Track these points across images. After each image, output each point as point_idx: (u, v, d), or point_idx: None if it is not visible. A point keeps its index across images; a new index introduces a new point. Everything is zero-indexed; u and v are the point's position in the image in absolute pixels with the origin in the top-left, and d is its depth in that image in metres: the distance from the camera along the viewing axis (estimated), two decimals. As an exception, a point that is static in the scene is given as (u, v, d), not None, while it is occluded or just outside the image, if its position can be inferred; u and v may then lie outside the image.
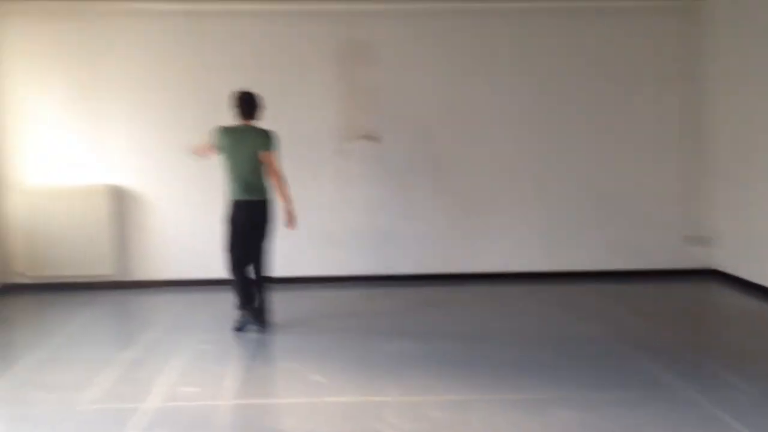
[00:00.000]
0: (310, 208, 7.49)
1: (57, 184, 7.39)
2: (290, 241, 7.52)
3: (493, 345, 5.55)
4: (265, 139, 5.86)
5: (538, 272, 7.74)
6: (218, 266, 7.39)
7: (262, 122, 6.15)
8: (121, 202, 7.48)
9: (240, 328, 5.90)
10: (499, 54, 7.64)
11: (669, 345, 5.47)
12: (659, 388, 4.55)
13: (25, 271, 7.40)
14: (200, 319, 6.32)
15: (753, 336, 5.80)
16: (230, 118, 5.99)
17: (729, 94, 7.43)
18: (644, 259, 7.78)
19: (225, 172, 5.88)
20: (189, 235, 7.52)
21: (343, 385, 4.70)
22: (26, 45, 7.35)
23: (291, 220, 5.97)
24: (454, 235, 7.75)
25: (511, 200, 7.74)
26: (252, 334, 5.85)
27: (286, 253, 7.54)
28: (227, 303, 6.79)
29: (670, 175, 7.78)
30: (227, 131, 5.88)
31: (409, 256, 7.71)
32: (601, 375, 4.79)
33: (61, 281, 7.41)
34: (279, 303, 6.88)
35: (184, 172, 7.48)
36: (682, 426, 4.00)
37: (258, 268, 5.94)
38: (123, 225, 7.50)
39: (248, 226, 5.85)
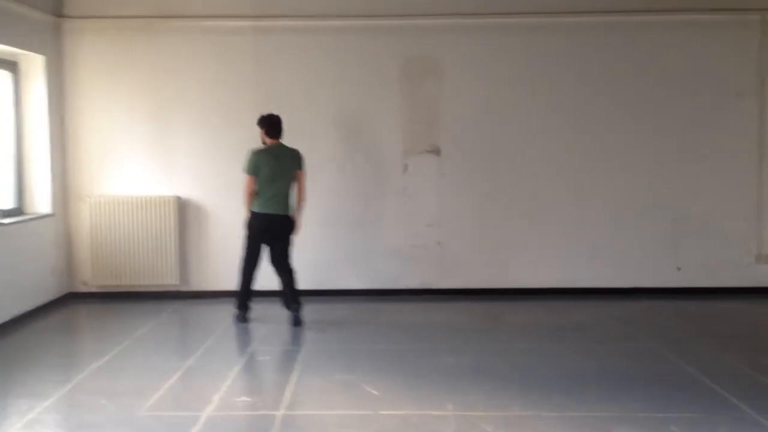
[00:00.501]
0: (375, 220, 7.62)
1: (124, 194, 7.60)
2: (344, 252, 7.64)
3: (551, 360, 5.49)
4: (298, 158, 6.58)
5: (606, 288, 7.62)
6: (273, 277, 7.54)
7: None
8: (184, 213, 7.64)
9: (242, 320, 6.63)
10: (563, 69, 7.56)
11: (736, 366, 5.32)
12: (724, 410, 4.43)
13: (88, 281, 7.62)
14: (258, 329, 6.40)
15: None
16: (259, 137, 6.65)
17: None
18: (713, 278, 7.60)
19: (261, 188, 6.40)
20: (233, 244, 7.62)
21: (397, 398, 4.71)
22: (97, 59, 7.57)
23: (298, 230, 6.70)
24: (512, 249, 7.69)
25: (575, 216, 7.64)
26: (313, 344, 5.90)
27: (351, 266, 7.66)
28: (283, 314, 6.89)
29: (744, 192, 7.59)
30: (265, 152, 6.47)
31: (467, 269, 7.68)
32: (665, 395, 4.70)
33: (125, 290, 7.61)
34: (333, 316, 6.97)
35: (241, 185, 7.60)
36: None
37: (286, 266, 6.57)
38: (187, 235, 7.66)
39: (278, 236, 6.51)
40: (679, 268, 7.60)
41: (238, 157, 7.54)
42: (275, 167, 6.40)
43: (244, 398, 4.71)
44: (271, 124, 6.51)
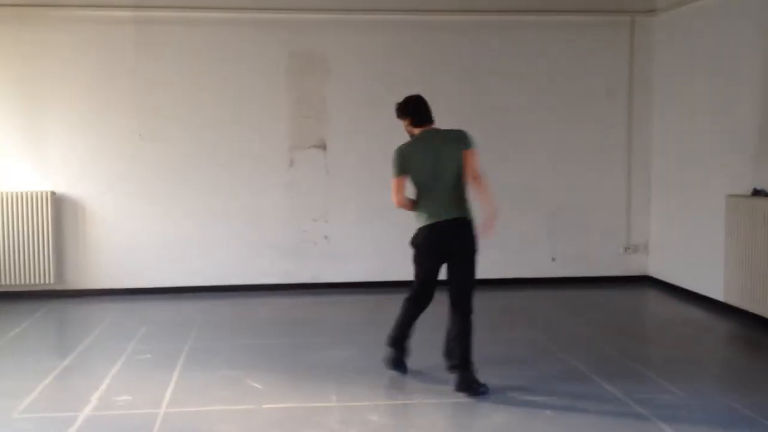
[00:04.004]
0: (261, 218, 7.57)
1: (-7, 190, 7.27)
2: (241, 249, 7.56)
3: (435, 350, 5.62)
4: (461, 136, 4.86)
5: (486, 279, 7.82)
6: (157, 275, 7.42)
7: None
8: (60, 208, 7.37)
9: (397, 366, 5.02)
10: (448, 66, 7.73)
11: (607, 351, 5.61)
12: (590, 389, 4.67)
13: (-41, 280, 7.26)
14: (139, 328, 6.25)
15: (681, 339, 5.99)
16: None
17: (668, 107, 7.69)
18: (586, 267, 7.96)
19: (421, 192, 4.81)
20: (127, 243, 7.45)
21: (281, 391, 4.71)
22: (-38, 49, 7.22)
23: (491, 225, 4.77)
24: (399, 242, 7.78)
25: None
26: (196, 341, 5.82)
27: (236, 262, 7.59)
28: (164, 312, 6.79)
29: (613, 186, 7.98)
30: (415, 142, 4.89)
31: (356, 262, 7.75)
32: (541, 379, 4.90)
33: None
34: (230, 311, 6.91)
35: (121, 181, 7.42)
36: (609, 426, 4.12)
37: (467, 305, 4.78)
38: (63, 232, 7.39)
39: (460, 253, 4.72)
40: (553, 259, 7.94)
41: (117, 151, 7.40)
42: (434, 158, 4.76)
43: (125, 397, 4.60)
44: (415, 110, 4.94)
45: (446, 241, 4.70)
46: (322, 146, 7.65)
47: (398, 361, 5.02)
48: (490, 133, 7.81)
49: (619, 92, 7.92)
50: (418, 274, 4.89)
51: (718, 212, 6.58)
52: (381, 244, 7.74)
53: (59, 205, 7.36)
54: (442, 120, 7.70)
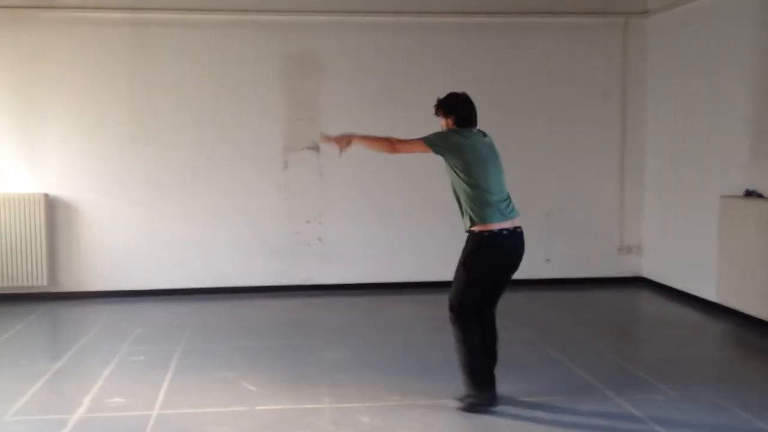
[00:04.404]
0: (256, 219, 7.57)
1: (-14, 193, 7.25)
2: (235, 251, 7.56)
3: (429, 351, 5.63)
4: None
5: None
6: (150, 277, 7.42)
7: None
8: (54, 211, 7.35)
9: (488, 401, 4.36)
10: (442, 68, 7.71)
11: (601, 352, 5.62)
12: (583, 390, 4.68)
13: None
14: (132, 330, 6.23)
15: (674, 340, 6.00)
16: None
17: (662, 108, 7.71)
18: (580, 268, 7.97)
19: (481, 184, 4.32)
20: (120, 246, 7.44)
21: (275, 393, 4.71)
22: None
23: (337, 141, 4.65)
24: (393, 244, 7.82)
25: (454, 211, 7.81)
26: (190, 344, 5.81)
27: (230, 263, 7.58)
28: (158, 314, 6.79)
29: (607, 187, 8.00)
30: (473, 134, 4.46)
31: (349, 264, 7.75)
32: (535, 380, 4.91)
33: (-10, 292, 7.27)
34: (223, 313, 6.92)
35: (115, 183, 7.42)
36: (602, 426, 4.13)
37: (494, 321, 4.53)
38: (56, 234, 7.38)
39: (515, 266, 4.38)
40: (548, 260, 7.94)
41: (111, 154, 7.39)
42: (489, 154, 4.42)
43: (117, 399, 4.59)
44: (464, 107, 4.51)
45: (511, 250, 4.31)
46: (316, 148, 7.65)
47: (492, 397, 4.33)
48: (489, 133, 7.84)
49: (613, 93, 7.94)
50: (472, 287, 4.28)
51: (711, 213, 6.59)
52: (375, 245, 7.74)
53: (53, 208, 7.35)
54: (431, 126, 7.72)
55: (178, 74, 7.46)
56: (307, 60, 7.61)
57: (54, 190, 7.35)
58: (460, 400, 4.35)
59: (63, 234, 7.39)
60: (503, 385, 4.52)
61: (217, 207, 7.56)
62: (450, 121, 4.49)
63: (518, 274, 7.85)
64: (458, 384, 4.52)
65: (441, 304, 6.54)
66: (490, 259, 4.27)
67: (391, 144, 4.45)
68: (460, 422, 4.23)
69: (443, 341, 5.86)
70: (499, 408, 4.37)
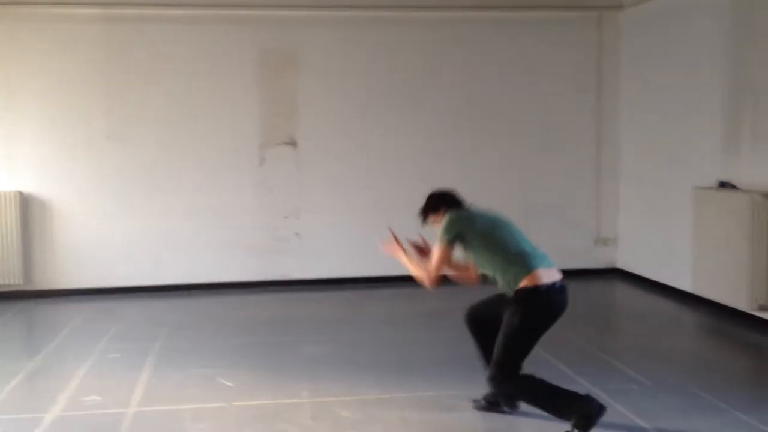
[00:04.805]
0: (233, 215, 7.54)
1: (-41, 191, 7.15)
2: (212, 248, 7.52)
3: (409, 347, 5.65)
4: None
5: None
6: (127, 275, 7.38)
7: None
8: (28, 208, 7.27)
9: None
10: (417, 63, 7.75)
11: (578, 343, 5.66)
12: (559, 380, 4.70)
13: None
14: (108, 328, 6.18)
15: (650, 330, 6.07)
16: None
17: (636, 101, 7.77)
18: (558, 260, 7.98)
19: (504, 247, 4.05)
20: (96, 243, 7.38)
21: (253, 389, 4.70)
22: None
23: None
24: (370, 239, 7.80)
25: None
26: (168, 341, 5.78)
27: (208, 260, 7.55)
28: (134, 311, 6.75)
29: (583, 180, 8.05)
30: (470, 210, 4.33)
31: (328, 259, 7.74)
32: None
33: (-37, 292, 7.18)
34: (201, 310, 6.90)
35: (90, 180, 7.36)
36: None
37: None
38: (31, 232, 7.30)
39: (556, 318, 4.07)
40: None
41: (87, 150, 7.33)
42: (494, 215, 4.29)
43: (93, 397, 4.56)
44: (449, 197, 4.44)
45: (557, 306, 4.07)
46: (293, 143, 7.63)
47: (588, 402, 3.88)
48: (460, 129, 7.88)
49: (589, 87, 7.98)
50: (524, 343, 3.99)
51: (685, 205, 6.65)
52: (352, 240, 7.74)
53: (27, 205, 7.27)
54: (413, 117, 7.78)
55: (153, 71, 7.40)
56: (284, 56, 7.58)
57: (28, 188, 7.27)
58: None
59: (38, 232, 7.32)
60: (479, 375, 4.54)
61: (194, 204, 7.52)
62: (442, 214, 4.33)
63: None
64: (438, 378, 4.54)
65: (419, 298, 6.60)
66: (545, 315, 3.99)
67: (427, 272, 4.24)
68: (438, 416, 4.24)
69: (421, 336, 5.93)
70: (475, 400, 4.36)
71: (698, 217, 6.44)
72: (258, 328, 6.29)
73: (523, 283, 3.90)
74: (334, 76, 7.66)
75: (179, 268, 7.51)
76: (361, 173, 7.77)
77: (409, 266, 4.38)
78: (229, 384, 4.78)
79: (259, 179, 7.61)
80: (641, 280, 7.60)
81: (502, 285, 4.01)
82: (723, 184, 6.27)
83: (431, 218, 4.36)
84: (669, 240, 7.11)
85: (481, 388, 4.53)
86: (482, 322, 4.28)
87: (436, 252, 4.16)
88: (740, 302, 5.90)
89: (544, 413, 3.97)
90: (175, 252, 7.50)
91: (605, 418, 3.83)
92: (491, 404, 4.26)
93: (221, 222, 7.57)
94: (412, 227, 7.61)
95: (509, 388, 4.04)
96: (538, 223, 7.92)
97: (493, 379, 3.99)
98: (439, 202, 4.36)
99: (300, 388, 4.68)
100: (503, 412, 4.26)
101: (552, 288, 3.96)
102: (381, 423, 4.12)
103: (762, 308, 5.79)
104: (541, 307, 3.94)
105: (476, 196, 7.69)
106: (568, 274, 8.32)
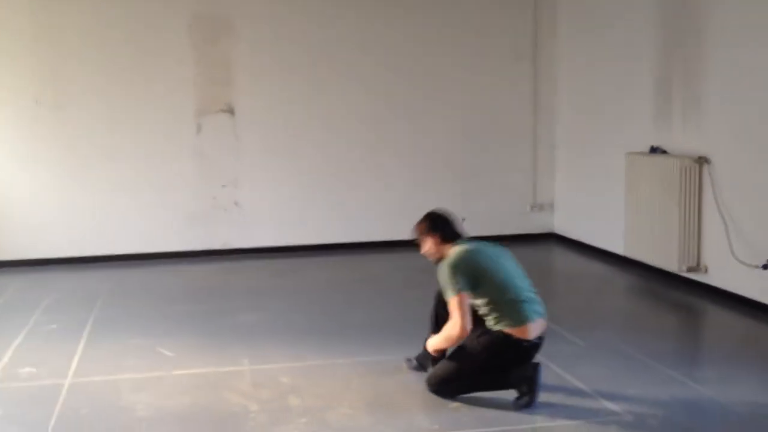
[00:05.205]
0: (170, 184, 7.43)
1: None
2: (149, 217, 7.40)
3: (349, 311, 5.69)
4: None
5: (402, 240, 7.89)
6: (61, 245, 7.23)
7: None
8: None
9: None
10: (353, 29, 7.68)
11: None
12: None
13: None
14: (42, 299, 6.05)
15: (584, 292, 6.24)
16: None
17: (571, 67, 7.88)
18: (495, 226, 8.12)
19: (498, 298, 3.95)
20: (28, 213, 7.17)
21: (193, 357, 4.68)
22: None
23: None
24: (313, 207, 7.80)
25: (368, 173, 7.86)
26: (104, 311, 5.69)
27: (144, 230, 7.43)
28: (70, 282, 6.63)
29: (520, 147, 8.12)
30: (469, 248, 4.10)
31: (267, 228, 7.69)
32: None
33: None
34: (138, 280, 6.80)
35: (21, 149, 7.14)
36: (516, 378, 4.27)
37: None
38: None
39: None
40: (464, 219, 8.05)
41: (16, 116, 7.10)
42: (498, 256, 4.15)
43: (28, 369, 4.48)
44: (446, 222, 4.26)
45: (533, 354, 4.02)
46: (230, 111, 7.52)
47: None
48: (396, 96, 7.87)
49: (525, 53, 8.05)
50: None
51: (618, 170, 6.81)
52: (292, 208, 7.71)
53: (-48, 175, 7.04)
54: (351, 81, 7.74)
55: (82, 35, 7.18)
56: (217, 21, 7.43)
57: (-47, 157, 7.04)
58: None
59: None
60: (420, 341, 4.62)
61: (130, 172, 7.36)
62: (436, 240, 4.17)
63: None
64: (380, 343, 4.60)
65: (358, 265, 6.65)
66: (511, 363, 3.93)
67: (456, 328, 3.93)
68: (381, 380, 4.28)
69: (362, 302, 5.97)
70: (408, 359, 4.40)
71: (630, 182, 6.60)
72: (197, 296, 6.25)
73: (510, 331, 3.89)
74: (270, 41, 7.55)
75: (114, 237, 7.37)
76: (299, 141, 7.72)
77: (442, 346, 4.09)
78: (168, 353, 4.74)
79: (196, 147, 7.50)
80: (577, 244, 7.77)
81: (490, 323, 3.95)
82: (654, 150, 6.43)
83: (424, 238, 4.23)
84: (603, 205, 7.28)
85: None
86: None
87: (454, 306, 3.92)
88: (670, 264, 6.10)
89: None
90: (110, 221, 7.36)
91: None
92: (423, 366, 4.30)
93: (158, 191, 7.44)
94: (355, 191, 7.73)
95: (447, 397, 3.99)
96: (474, 189, 8.05)
97: (434, 392, 3.99)
98: (434, 228, 4.20)
99: (240, 356, 4.67)
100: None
101: (532, 344, 3.95)
102: (323, 388, 4.15)
103: (690, 270, 6.00)
104: (513, 357, 3.92)
105: (412, 161, 7.87)
106: (504, 239, 8.50)
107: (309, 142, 7.72)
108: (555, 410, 3.84)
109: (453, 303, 3.92)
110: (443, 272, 4.00)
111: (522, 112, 8.12)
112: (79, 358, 4.67)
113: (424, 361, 4.29)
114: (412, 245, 7.63)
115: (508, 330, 3.89)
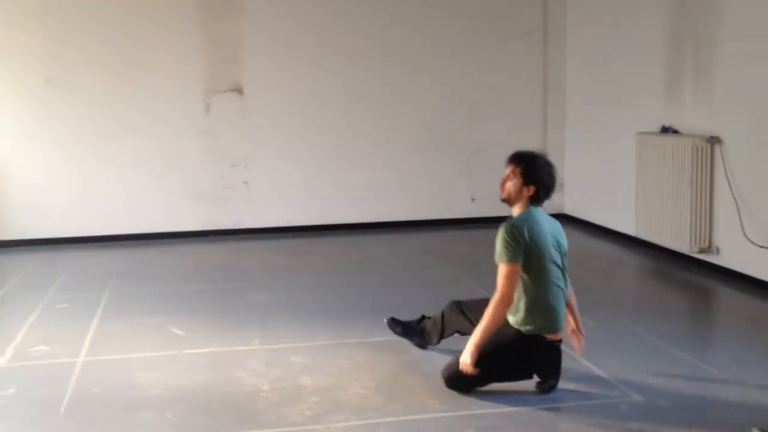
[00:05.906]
0: (180, 163, 7.43)
1: None
2: (159, 197, 7.42)
3: (357, 292, 5.70)
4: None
5: (408, 221, 7.92)
6: (74, 225, 7.26)
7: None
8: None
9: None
10: (362, 8, 7.65)
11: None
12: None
13: None
14: (55, 278, 6.09)
15: (595, 273, 6.22)
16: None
17: (581, 47, 7.83)
18: (504, 206, 8.08)
19: (539, 287, 3.73)
20: (41, 193, 7.22)
21: (204, 336, 4.70)
22: None
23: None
24: (323, 187, 7.80)
25: (379, 153, 7.85)
26: (118, 290, 5.72)
27: (155, 209, 7.45)
28: (82, 261, 6.66)
29: (529, 126, 8.09)
30: (532, 217, 3.75)
31: (279, 208, 7.71)
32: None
33: None
34: (149, 259, 6.84)
35: (34, 128, 7.16)
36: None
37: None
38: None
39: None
40: (473, 199, 8.06)
41: (28, 95, 7.14)
42: (553, 247, 3.78)
43: (41, 347, 4.52)
44: (551, 180, 3.81)
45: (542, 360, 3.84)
46: (239, 90, 7.51)
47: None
48: (405, 76, 7.84)
49: (534, 33, 7.99)
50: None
51: (629, 150, 6.77)
52: (302, 188, 7.72)
53: (-36, 155, 7.07)
54: (360, 62, 7.70)
55: (91, 14, 7.18)
56: (226, 1, 7.40)
57: (-33, 137, 7.06)
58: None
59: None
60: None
61: (140, 151, 7.38)
62: (529, 191, 3.76)
63: (444, 214, 8.03)
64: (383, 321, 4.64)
65: (367, 245, 6.64)
66: (529, 366, 3.79)
67: (500, 303, 3.68)
68: (390, 359, 4.30)
69: (370, 282, 5.98)
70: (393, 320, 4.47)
71: (641, 162, 6.57)
72: (207, 276, 6.28)
73: (544, 333, 3.73)
74: (279, 21, 7.53)
75: (126, 217, 7.41)
76: (309, 120, 7.70)
77: (486, 332, 3.73)
78: (179, 332, 4.77)
79: (205, 127, 7.50)
80: (587, 224, 7.75)
81: (518, 319, 3.74)
82: (665, 129, 6.38)
83: (517, 174, 3.77)
84: (614, 185, 7.25)
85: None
86: (463, 313, 4.19)
87: (504, 274, 3.65)
88: (682, 245, 6.08)
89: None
90: (121, 201, 7.39)
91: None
92: (406, 334, 4.38)
93: (167, 170, 7.46)
94: (366, 171, 7.71)
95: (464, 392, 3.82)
96: (484, 171, 8.02)
97: (450, 387, 3.83)
98: (536, 179, 3.75)
99: (251, 335, 4.69)
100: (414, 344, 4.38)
101: (545, 344, 3.77)
102: (333, 368, 4.16)
103: (702, 251, 5.97)
104: (543, 356, 3.76)
105: (422, 142, 7.84)
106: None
107: (318, 122, 7.70)
108: (565, 391, 3.84)
109: (504, 269, 3.63)
110: (506, 231, 3.66)
111: (531, 91, 8.08)
112: (92, 336, 4.70)
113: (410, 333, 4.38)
114: (421, 225, 7.67)
115: (541, 333, 3.75)
